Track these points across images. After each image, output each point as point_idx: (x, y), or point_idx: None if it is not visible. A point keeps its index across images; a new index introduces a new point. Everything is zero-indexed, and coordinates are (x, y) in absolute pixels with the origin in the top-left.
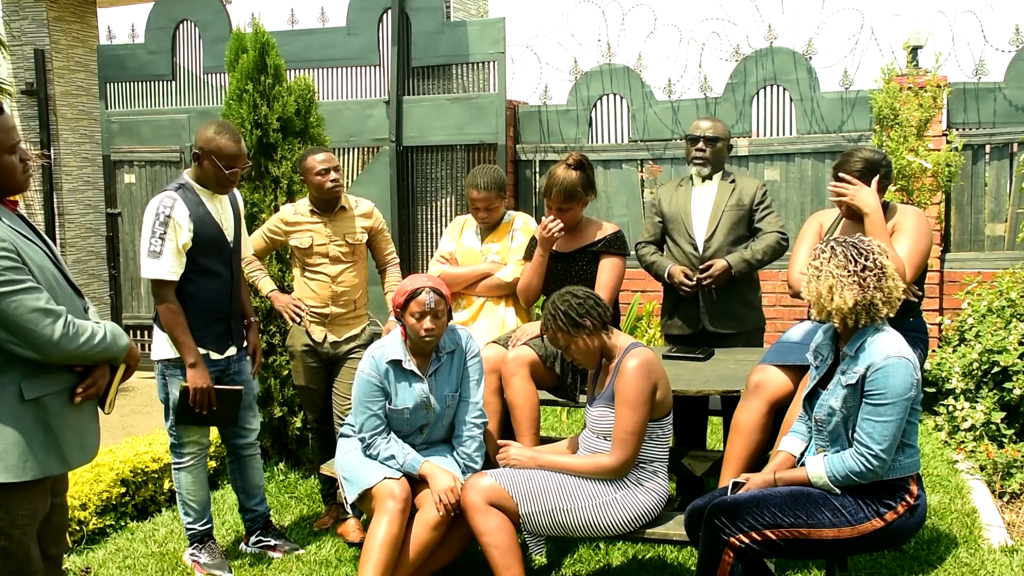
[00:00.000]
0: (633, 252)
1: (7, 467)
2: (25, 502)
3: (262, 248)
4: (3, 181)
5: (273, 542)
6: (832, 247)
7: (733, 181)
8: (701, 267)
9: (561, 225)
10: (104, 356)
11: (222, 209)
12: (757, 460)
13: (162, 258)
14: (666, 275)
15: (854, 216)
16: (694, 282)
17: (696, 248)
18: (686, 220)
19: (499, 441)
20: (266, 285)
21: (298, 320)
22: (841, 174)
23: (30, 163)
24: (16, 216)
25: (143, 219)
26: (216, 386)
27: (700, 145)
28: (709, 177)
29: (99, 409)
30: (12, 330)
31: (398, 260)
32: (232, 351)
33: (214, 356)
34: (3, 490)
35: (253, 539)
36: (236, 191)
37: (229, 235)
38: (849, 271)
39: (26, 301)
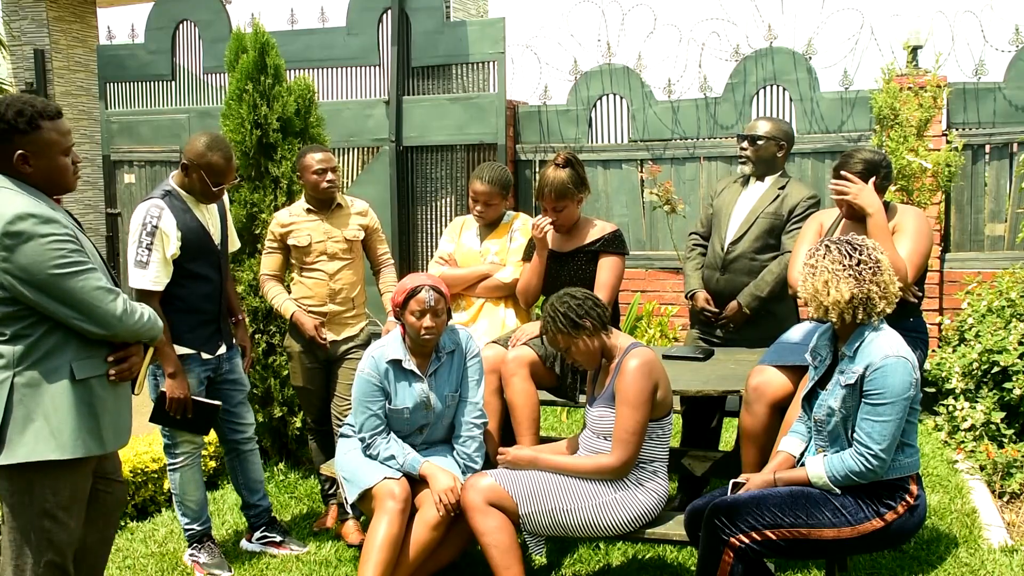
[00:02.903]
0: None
1: (60, 444)
2: (70, 484)
3: (278, 264)
4: (57, 180)
5: (278, 538)
6: (827, 245)
7: (783, 187)
8: (718, 316)
9: (550, 221)
10: (150, 335)
11: (208, 213)
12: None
13: (148, 268)
14: (689, 295)
15: (854, 216)
16: (711, 316)
17: (722, 248)
18: (724, 218)
19: (500, 449)
20: (288, 308)
21: (323, 342)
22: (844, 172)
23: (79, 164)
24: (65, 212)
25: (130, 226)
26: (195, 398)
27: (744, 144)
28: (760, 178)
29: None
30: (79, 307)
31: (392, 261)
32: (223, 349)
33: (206, 356)
34: (51, 469)
35: (258, 535)
36: None
37: (216, 238)
38: (844, 265)
39: (90, 280)
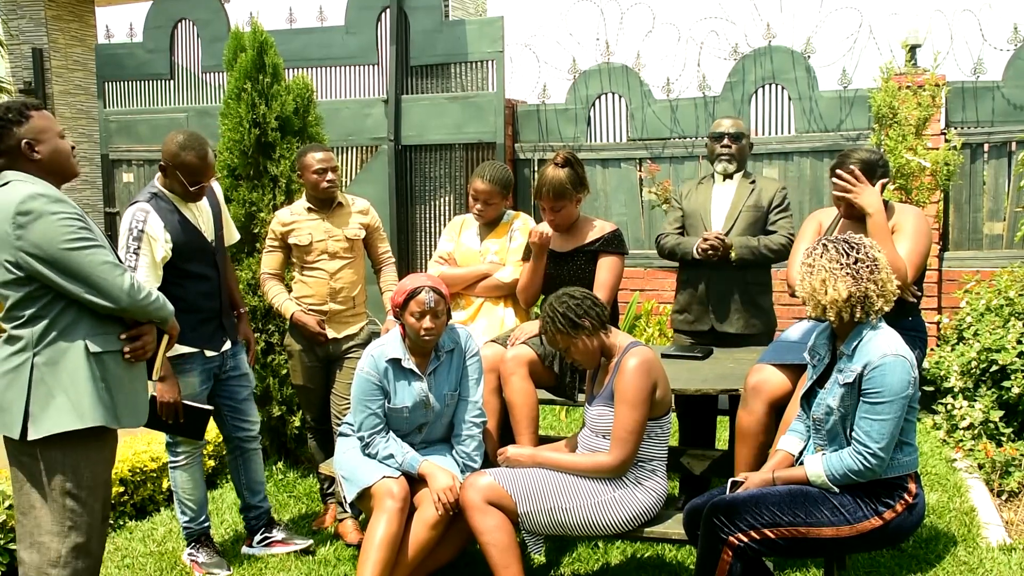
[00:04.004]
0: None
1: (80, 415)
2: (92, 463)
3: (278, 262)
4: (63, 163)
5: (280, 536)
6: (824, 244)
7: (753, 182)
8: (717, 234)
9: (549, 229)
10: (159, 315)
11: (199, 211)
12: (765, 461)
13: (137, 273)
14: (695, 250)
15: (853, 215)
16: (712, 239)
17: None
18: (704, 217)
19: (498, 448)
20: (288, 308)
21: (322, 339)
22: (850, 166)
23: (75, 150)
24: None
25: (119, 228)
26: (185, 402)
27: (725, 142)
28: (731, 176)
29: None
30: (88, 280)
31: (393, 259)
32: (227, 346)
33: (209, 353)
34: (75, 447)
35: (258, 537)
36: (215, 183)
37: (209, 235)
38: (841, 264)
39: (98, 255)
